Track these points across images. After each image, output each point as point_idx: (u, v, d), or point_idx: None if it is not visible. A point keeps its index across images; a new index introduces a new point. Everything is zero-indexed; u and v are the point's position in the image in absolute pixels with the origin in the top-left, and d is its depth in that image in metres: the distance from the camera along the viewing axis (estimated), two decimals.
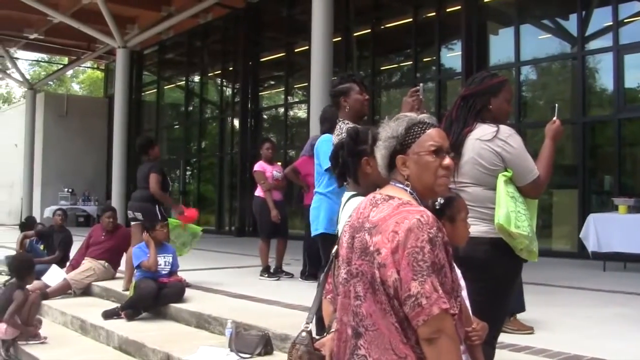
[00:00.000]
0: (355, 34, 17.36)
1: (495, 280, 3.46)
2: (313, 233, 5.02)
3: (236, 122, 21.02)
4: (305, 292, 7.27)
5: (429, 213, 2.34)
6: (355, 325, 2.39)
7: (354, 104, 4.97)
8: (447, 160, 2.49)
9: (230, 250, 14.11)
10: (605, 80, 13.19)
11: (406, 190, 2.48)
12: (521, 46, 13.67)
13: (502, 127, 3.56)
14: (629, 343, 5.38)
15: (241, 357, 5.68)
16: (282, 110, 20.46)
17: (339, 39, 15.37)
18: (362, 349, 2.36)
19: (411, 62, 16.41)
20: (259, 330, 5.98)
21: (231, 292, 8.24)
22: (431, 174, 2.47)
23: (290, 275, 9.70)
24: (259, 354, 5.69)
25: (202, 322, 6.95)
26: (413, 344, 2.30)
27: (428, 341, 2.26)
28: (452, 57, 15.52)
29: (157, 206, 8.93)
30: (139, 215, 8.94)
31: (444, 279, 2.27)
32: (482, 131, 3.56)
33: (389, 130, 2.54)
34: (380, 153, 2.56)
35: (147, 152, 9.28)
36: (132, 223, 9.15)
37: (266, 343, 5.77)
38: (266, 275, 9.60)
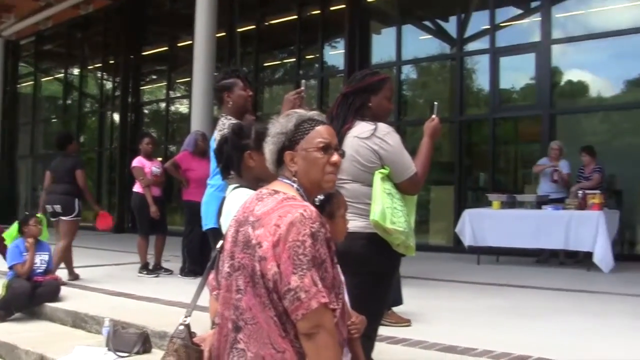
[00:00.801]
0: (239, 30, 17.29)
1: (373, 275, 3.52)
2: (204, 227, 4.97)
3: (116, 117, 20.54)
4: (184, 289, 7.18)
5: (312, 208, 2.36)
6: (235, 319, 2.39)
7: (237, 99, 4.95)
8: (335, 157, 2.52)
9: (109, 247, 13.80)
10: (481, 81, 13.69)
11: (293, 186, 2.49)
12: (402, 46, 13.97)
13: (380, 125, 3.61)
14: (502, 333, 5.60)
15: (119, 356, 5.57)
16: (163, 105, 20.13)
17: (223, 34, 15.30)
18: (241, 343, 2.36)
19: (294, 59, 16.50)
20: (138, 328, 5.89)
21: (109, 289, 8.07)
22: (319, 170, 2.50)
23: (169, 272, 9.60)
24: (137, 352, 5.59)
25: (79, 321, 6.75)
26: (292, 338, 2.31)
27: (307, 336, 2.28)
28: (335, 55, 15.71)
29: (76, 200, 9.00)
30: (58, 208, 8.93)
31: (324, 274, 2.30)
32: (361, 129, 3.60)
33: (278, 126, 2.54)
34: (269, 148, 2.55)
35: (66, 147, 9.32)
36: (54, 219, 9.10)
37: (145, 341, 5.68)
38: (145, 272, 9.46)
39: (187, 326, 2.68)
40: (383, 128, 3.59)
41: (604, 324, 6.10)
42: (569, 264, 10.36)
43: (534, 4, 13.01)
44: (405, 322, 5.85)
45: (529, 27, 13.21)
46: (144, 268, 9.50)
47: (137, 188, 9.67)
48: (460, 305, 7.10)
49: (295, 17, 16.08)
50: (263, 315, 2.32)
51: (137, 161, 9.75)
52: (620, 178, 12.04)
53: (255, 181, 3.10)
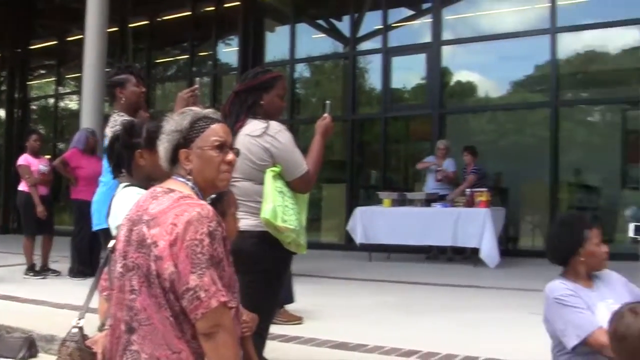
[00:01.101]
0: (131, 25, 16.91)
1: (264, 273, 3.51)
2: (96, 227, 4.81)
3: (1, 113, 19.75)
4: (73, 290, 6.98)
5: (209, 207, 2.34)
6: (129, 320, 2.33)
7: (130, 95, 4.85)
8: (230, 156, 2.50)
9: None
10: (374, 80, 13.88)
11: (188, 184, 2.45)
12: (296, 44, 13.99)
13: (272, 123, 3.60)
14: (392, 329, 5.69)
15: None
16: (52, 100, 19.49)
17: (115, 29, 14.93)
18: (135, 345, 2.31)
19: (188, 56, 16.28)
20: (23, 332, 5.67)
21: None
22: (214, 169, 2.47)
23: (57, 273, 9.30)
24: (23, 358, 5.38)
25: None
26: (188, 338, 2.28)
27: (206, 335, 2.26)
28: (229, 52, 15.60)
29: None
30: None
31: (222, 273, 2.28)
32: (252, 127, 3.58)
33: (173, 123, 2.49)
34: (164, 146, 2.50)
35: None
36: None
37: (30, 345, 5.47)
38: (31, 274, 9.14)
39: (80, 329, 2.60)
40: (275, 126, 3.58)
41: (491, 318, 6.27)
42: (457, 260, 10.62)
43: (425, 6, 13.30)
44: (297, 319, 5.86)
45: (420, 28, 13.49)
46: (31, 269, 9.18)
47: (22, 187, 9.33)
48: (352, 302, 7.16)
49: (189, 13, 15.85)
50: (158, 316, 2.28)
51: (23, 159, 9.41)
52: (506, 176, 12.44)
53: (147, 180, 3.03)
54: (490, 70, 13.53)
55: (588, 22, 12.19)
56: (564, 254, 3.30)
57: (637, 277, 6.30)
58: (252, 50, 14.26)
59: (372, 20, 13.54)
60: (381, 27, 13.14)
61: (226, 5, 15.06)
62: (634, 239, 3.58)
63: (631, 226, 3.47)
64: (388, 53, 12.97)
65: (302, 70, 14.97)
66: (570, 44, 12.18)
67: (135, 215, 2.42)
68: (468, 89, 13.83)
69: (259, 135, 3.54)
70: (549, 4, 11.54)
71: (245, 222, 3.35)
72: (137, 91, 4.88)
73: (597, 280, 3.35)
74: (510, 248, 11.89)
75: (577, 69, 12.94)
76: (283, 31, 14.56)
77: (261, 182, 3.52)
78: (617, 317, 2.60)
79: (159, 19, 16.82)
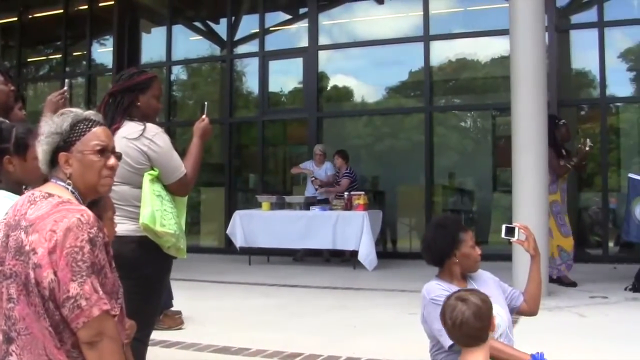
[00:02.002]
0: None
1: (144, 279, 3.43)
2: None
3: None
4: None
5: (90, 212, 2.26)
6: (7, 330, 2.23)
7: None
8: (112, 161, 2.43)
9: None
10: (251, 83, 13.86)
11: (67, 188, 2.36)
12: (173, 46, 13.79)
13: (149, 125, 3.52)
14: (274, 331, 5.69)
15: None
16: None
17: None
18: (14, 355, 2.21)
19: (61, 55, 15.73)
20: None
21: None
22: (95, 173, 2.39)
23: None
24: None
25: None
26: (69, 348, 2.20)
27: (89, 345, 2.18)
28: (104, 52, 15.19)
29: None
30: None
31: (104, 280, 2.22)
32: (129, 129, 3.49)
33: (52, 125, 2.39)
34: (42, 148, 2.39)
35: None
36: None
37: None
38: None
39: None
40: (152, 129, 3.51)
41: (371, 319, 6.38)
42: (336, 262, 10.74)
43: (302, 10, 13.37)
44: (178, 324, 5.78)
45: (298, 33, 13.56)
46: None
47: None
48: (233, 305, 7.13)
49: (62, 11, 15.33)
50: (37, 325, 2.18)
51: None
52: (383, 179, 12.69)
53: (17, 185, 2.90)
54: (366, 75, 13.77)
55: (460, 31, 12.62)
56: (440, 255, 3.39)
57: (510, 276, 6.58)
58: (127, 50, 13.95)
59: (249, 24, 13.51)
60: (258, 30, 13.14)
61: (101, 4, 14.68)
62: (506, 240, 3.69)
63: (503, 227, 3.59)
64: (265, 57, 12.98)
65: (178, 73, 14.76)
66: (443, 52, 12.57)
67: (13, 221, 2.31)
68: (344, 93, 14.03)
69: (136, 138, 3.45)
70: (423, 13, 11.86)
71: (124, 227, 3.26)
72: (5, 90, 4.65)
73: (471, 280, 3.46)
74: (387, 250, 12.14)
75: (449, 76, 13.37)
76: (159, 32, 14.30)
77: (139, 186, 3.44)
78: (449, 309, 2.84)
79: (29, 16, 16.18)
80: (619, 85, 12.38)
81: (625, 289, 7.94)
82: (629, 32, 12.17)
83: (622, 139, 13.00)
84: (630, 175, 8.74)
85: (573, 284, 8.30)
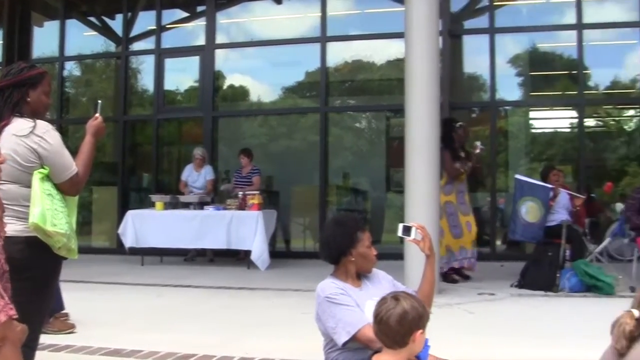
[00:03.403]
0: None
1: (33, 280, 3.33)
2: None
3: None
4: None
5: None
6: None
7: None
8: None
9: None
10: (146, 81, 13.64)
11: None
12: (66, 41, 13.41)
13: (40, 122, 3.42)
14: (167, 332, 5.63)
15: None
16: None
17: None
18: None
19: None
20: None
21: None
22: None
23: None
24: None
25: None
26: None
27: None
28: None
29: None
30: None
31: (6, 284, 2.15)
32: (19, 126, 3.38)
33: None
34: None
35: None
36: None
37: None
38: None
39: None
40: (42, 126, 3.40)
41: (265, 318, 6.39)
42: (229, 262, 10.68)
43: (199, 8, 13.26)
44: (68, 328, 5.63)
45: (194, 31, 13.44)
46: None
47: None
48: (125, 307, 7.01)
49: None
50: None
51: None
52: (278, 179, 12.72)
53: None
54: (262, 75, 13.78)
55: (356, 33, 12.78)
56: (337, 253, 3.42)
57: (402, 275, 6.70)
58: (17, 44, 13.47)
59: (145, 20, 13.29)
60: (155, 27, 12.95)
61: None
62: (401, 238, 3.76)
63: (400, 226, 3.65)
64: (161, 54, 12.81)
65: (72, 69, 14.37)
66: (340, 53, 12.71)
67: None
68: (241, 92, 13.99)
69: (26, 135, 3.34)
70: (320, 14, 11.95)
71: (12, 227, 3.15)
72: None
73: (365, 279, 3.50)
74: (282, 250, 12.17)
75: (345, 77, 13.53)
76: (52, 26, 13.87)
77: (28, 185, 3.33)
78: (381, 302, 2.87)
79: None
80: (508, 89, 12.85)
81: (512, 286, 8.25)
82: (518, 39, 12.65)
83: (510, 141, 13.48)
84: (517, 176, 9.08)
85: (455, 281, 8.57)
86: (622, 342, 2.47)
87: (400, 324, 2.78)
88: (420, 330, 2.81)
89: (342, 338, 3.19)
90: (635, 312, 2.49)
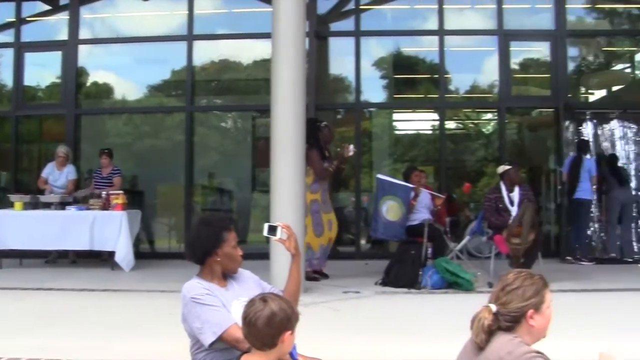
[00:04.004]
0: None
1: None
2: None
3: None
4: None
5: None
6: None
7: None
8: None
9: None
10: (5, 76, 13.08)
11: None
12: None
13: None
14: (27, 338, 5.43)
15: None
16: None
17: None
18: None
19: None
20: None
21: None
22: None
23: None
24: None
25: None
26: None
27: None
28: None
29: None
30: None
31: None
32: None
33: None
34: None
35: None
36: None
37: None
38: None
39: None
40: None
41: (131, 320, 6.30)
42: (92, 264, 10.42)
43: (62, 2, 12.84)
44: None
45: (57, 25, 13.02)
46: None
47: None
48: None
49: None
50: None
51: None
52: (142, 179, 12.51)
53: None
54: (127, 72, 13.53)
55: (223, 32, 12.75)
56: (203, 253, 3.41)
57: (268, 274, 6.76)
58: None
59: (4, 12, 12.74)
60: (14, 20, 12.44)
61: None
62: (267, 238, 3.79)
63: (266, 225, 3.68)
64: (21, 48, 12.33)
65: None
66: (206, 52, 12.66)
67: None
68: (105, 90, 13.68)
69: None
70: (187, 12, 11.85)
71: None
72: None
73: (232, 279, 3.52)
74: (147, 250, 11.98)
75: (212, 76, 13.49)
76: None
77: None
78: (249, 304, 2.87)
79: None
80: (373, 91, 13.19)
81: (376, 284, 8.48)
82: (383, 42, 13.00)
83: (374, 142, 13.84)
84: (379, 176, 9.33)
85: (318, 277, 8.72)
86: (482, 336, 2.60)
87: (269, 326, 2.78)
88: (289, 331, 2.84)
89: (208, 339, 3.19)
90: (493, 307, 2.63)
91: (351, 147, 9.15)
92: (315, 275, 8.78)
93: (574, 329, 5.63)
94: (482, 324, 2.62)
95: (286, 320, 2.82)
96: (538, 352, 2.55)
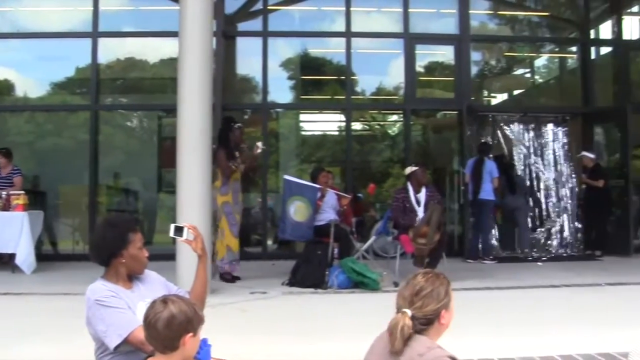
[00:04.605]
0: None
1: None
2: None
3: None
4: None
5: None
6: None
7: None
8: None
9: None
10: None
11: None
12: None
13: None
14: None
15: None
16: None
17: None
18: None
19: None
20: None
21: None
22: None
23: None
24: None
25: None
26: None
27: None
28: None
29: None
30: None
31: None
32: None
33: None
34: None
35: None
36: None
37: None
38: None
39: None
40: None
41: (31, 324, 6.13)
42: None
43: None
44: None
45: None
46: None
47: None
48: None
49: None
50: None
51: None
52: (44, 179, 12.19)
53: None
54: (29, 69, 13.14)
55: (130, 29, 12.55)
56: (108, 254, 3.36)
57: (174, 275, 6.71)
58: None
59: None
60: None
61: None
62: (173, 239, 3.76)
63: (172, 226, 3.65)
64: None
65: None
66: (112, 50, 12.43)
67: None
68: (5, 86, 13.26)
69: None
70: (92, 8, 11.62)
71: None
72: None
73: (137, 281, 3.48)
74: (49, 252, 11.68)
75: (117, 74, 13.25)
76: None
77: None
78: (150, 306, 2.84)
79: None
80: (280, 92, 13.22)
81: (283, 284, 8.53)
82: (291, 43, 13.04)
83: (281, 142, 13.87)
84: (286, 176, 9.37)
85: (236, 279, 8.70)
86: (401, 343, 2.64)
87: (168, 328, 2.75)
88: (191, 334, 2.80)
89: (113, 341, 3.15)
90: (409, 312, 2.68)
91: (259, 144, 9.15)
92: (229, 277, 8.74)
93: (478, 325, 5.81)
94: (403, 331, 2.65)
95: (186, 323, 2.78)
96: (451, 357, 2.61)
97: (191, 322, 2.81)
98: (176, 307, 2.79)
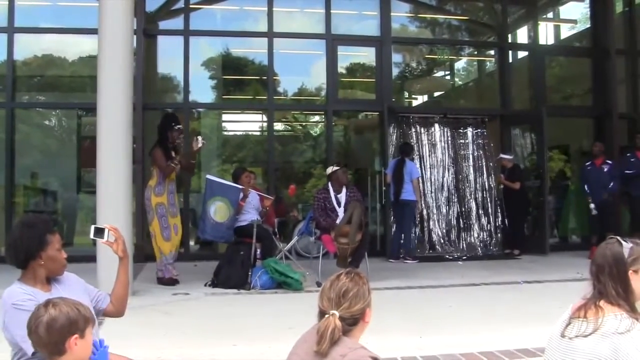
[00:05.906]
0: None
1: None
2: None
3: None
4: None
5: None
6: None
7: None
8: None
9: None
10: None
11: None
12: None
13: None
14: None
15: None
16: None
17: None
18: None
19: None
20: None
21: None
22: None
23: None
24: None
25: None
26: None
27: None
28: None
29: None
30: None
31: None
32: None
33: None
34: None
35: None
36: None
37: None
38: None
39: None
40: None
41: None
42: None
43: None
44: None
45: None
46: None
47: None
48: None
49: None
50: None
51: None
52: None
53: None
54: None
55: (47, 25, 12.26)
56: (25, 257, 3.28)
57: (95, 278, 6.59)
58: None
59: None
60: None
61: None
62: (94, 241, 3.70)
63: (92, 228, 3.59)
64: None
65: None
66: (29, 46, 12.12)
67: None
68: None
69: None
70: (7, 2, 11.33)
71: None
72: None
73: (56, 283, 3.41)
74: None
75: (34, 71, 12.93)
76: None
77: None
78: (34, 311, 2.78)
79: None
80: (201, 91, 13.13)
81: (205, 285, 8.47)
82: (213, 43, 12.96)
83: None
84: (208, 176, 9.31)
85: (175, 281, 8.61)
86: (329, 345, 2.64)
87: (49, 332, 2.69)
88: (76, 336, 2.73)
89: (31, 347, 3.08)
90: (336, 314, 2.69)
91: (199, 138, 8.95)
92: (167, 281, 8.60)
93: (401, 324, 5.90)
94: (334, 334, 2.65)
95: (69, 325, 2.72)
96: (373, 357, 2.64)
97: (75, 323, 2.74)
98: (57, 310, 2.73)
